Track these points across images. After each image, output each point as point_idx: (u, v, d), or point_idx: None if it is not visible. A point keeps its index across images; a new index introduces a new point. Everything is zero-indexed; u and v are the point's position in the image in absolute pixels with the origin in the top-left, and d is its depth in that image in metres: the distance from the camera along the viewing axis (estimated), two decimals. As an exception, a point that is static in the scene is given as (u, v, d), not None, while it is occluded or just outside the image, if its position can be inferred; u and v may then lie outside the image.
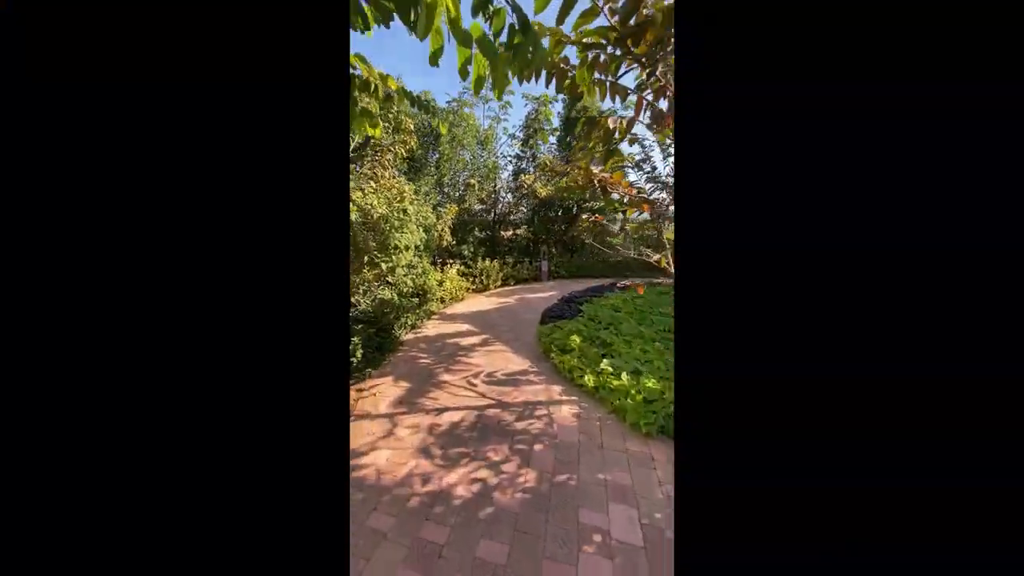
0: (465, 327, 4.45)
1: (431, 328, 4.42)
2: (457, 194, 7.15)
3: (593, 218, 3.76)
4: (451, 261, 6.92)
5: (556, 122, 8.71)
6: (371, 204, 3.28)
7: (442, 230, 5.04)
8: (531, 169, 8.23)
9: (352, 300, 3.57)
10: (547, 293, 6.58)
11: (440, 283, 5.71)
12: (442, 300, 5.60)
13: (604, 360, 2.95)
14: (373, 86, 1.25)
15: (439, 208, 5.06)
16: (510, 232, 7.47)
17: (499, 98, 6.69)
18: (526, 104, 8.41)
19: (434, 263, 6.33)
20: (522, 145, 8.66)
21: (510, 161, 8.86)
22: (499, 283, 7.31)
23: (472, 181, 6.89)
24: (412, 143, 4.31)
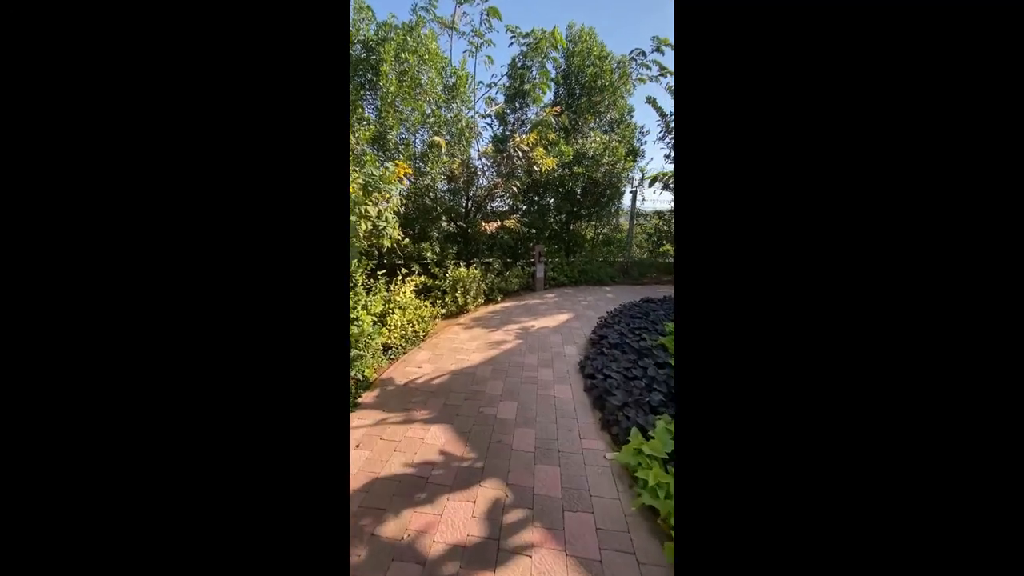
0: (436, 441, 1.93)
1: (357, 446, 1.86)
2: (412, 162, 4.47)
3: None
4: (404, 270, 4.31)
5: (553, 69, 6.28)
6: None
7: (379, 217, 2.42)
8: (522, 134, 5.76)
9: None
10: (559, 317, 4.27)
11: (381, 319, 3.11)
12: (385, 349, 3.02)
13: None
14: None
15: (377, 170, 2.39)
16: (494, 224, 4.98)
17: None
18: (511, 42, 5.89)
19: (373, 276, 3.67)
20: (505, 105, 6.15)
21: (489, 124, 6.31)
22: (481, 300, 4.84)
23: (438, 139, 4.24)
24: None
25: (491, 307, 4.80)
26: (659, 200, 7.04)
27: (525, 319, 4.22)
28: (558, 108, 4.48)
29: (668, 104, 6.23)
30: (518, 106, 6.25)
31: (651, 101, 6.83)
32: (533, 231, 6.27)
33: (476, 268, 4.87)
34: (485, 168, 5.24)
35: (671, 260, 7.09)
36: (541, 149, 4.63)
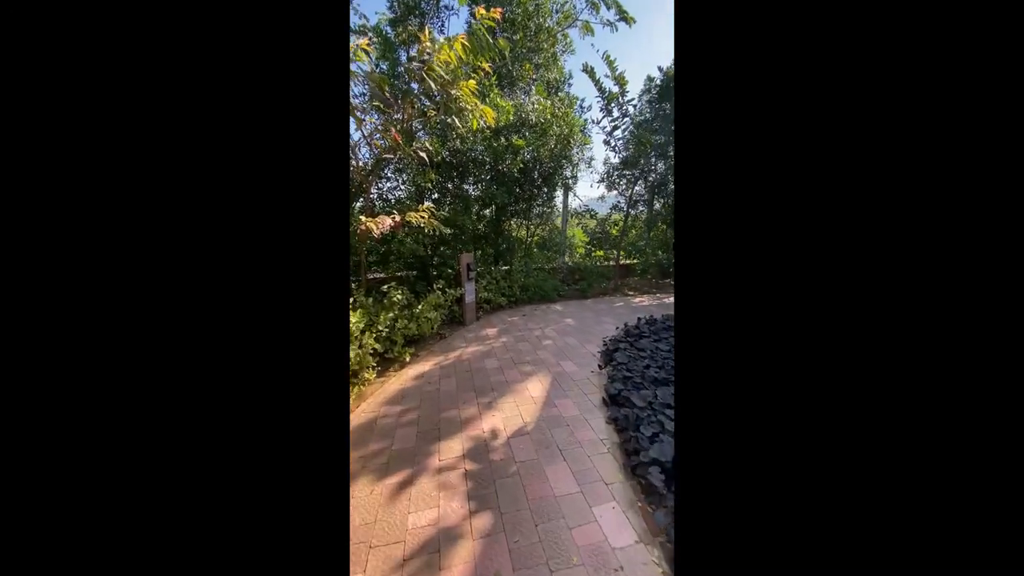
0: None
1: None
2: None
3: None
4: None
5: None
6: None
7: None
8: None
9: None
10: (527, 390, 2.24)
11: None
12: None
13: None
14: None
15: None
16: (388, 221, 2.61)
17: None
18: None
19: None
20: (394, 35, 3.73)
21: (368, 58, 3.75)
22: (370, 373, 2.44)
23: None
24: None
25: (391, 385, 2.45)
26: (591, 198, 5.77)
27: (466, 412, 2.09)
28: (499, 11, 2.45)
29: (610, 82, 4.94)
30: (409, 36, 3.93)
31: (588, 71, 5.50)
32: (450, 232, 4.10)
33: (355, 308, 2.43)
34: (364, 114, 2.77)
35: (611, 263, 6.01)
36: (472, 83, 2.51)
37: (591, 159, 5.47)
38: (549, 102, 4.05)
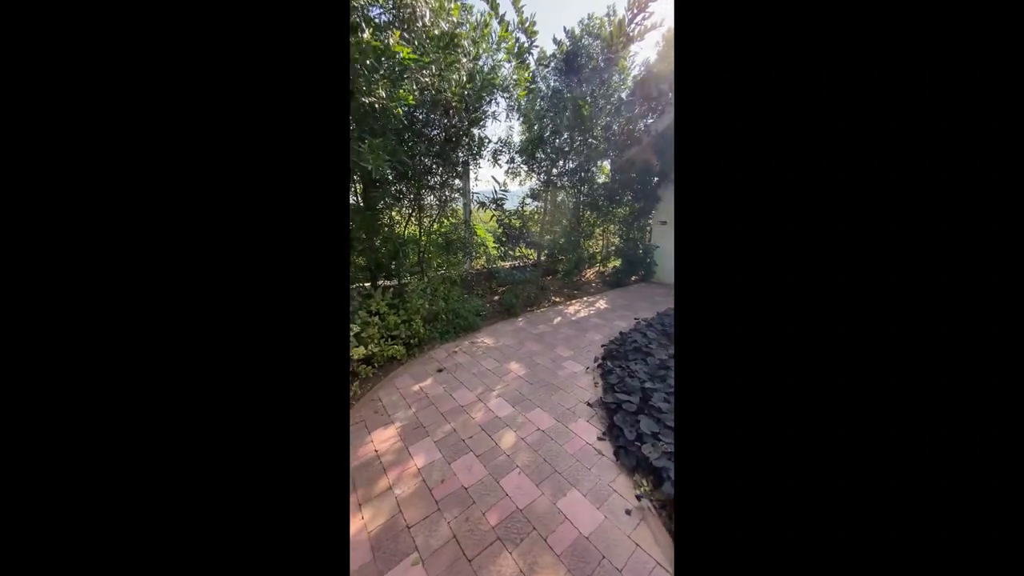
0: None
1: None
2: None
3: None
4: None
5: None
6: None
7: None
8: None
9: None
10: None
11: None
12: None
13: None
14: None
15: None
16: None
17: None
18: None
19: None
20: None
21: None
22: None
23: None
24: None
25: None
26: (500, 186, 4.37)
27: None
28: None
29: (517, 30, 3.51)
30: None
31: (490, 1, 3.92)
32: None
33: None
34: None
35: (531, 264, 4.83)
36: None
37: (535, 105, 3.93)
38: (454, 4, 2.30)
